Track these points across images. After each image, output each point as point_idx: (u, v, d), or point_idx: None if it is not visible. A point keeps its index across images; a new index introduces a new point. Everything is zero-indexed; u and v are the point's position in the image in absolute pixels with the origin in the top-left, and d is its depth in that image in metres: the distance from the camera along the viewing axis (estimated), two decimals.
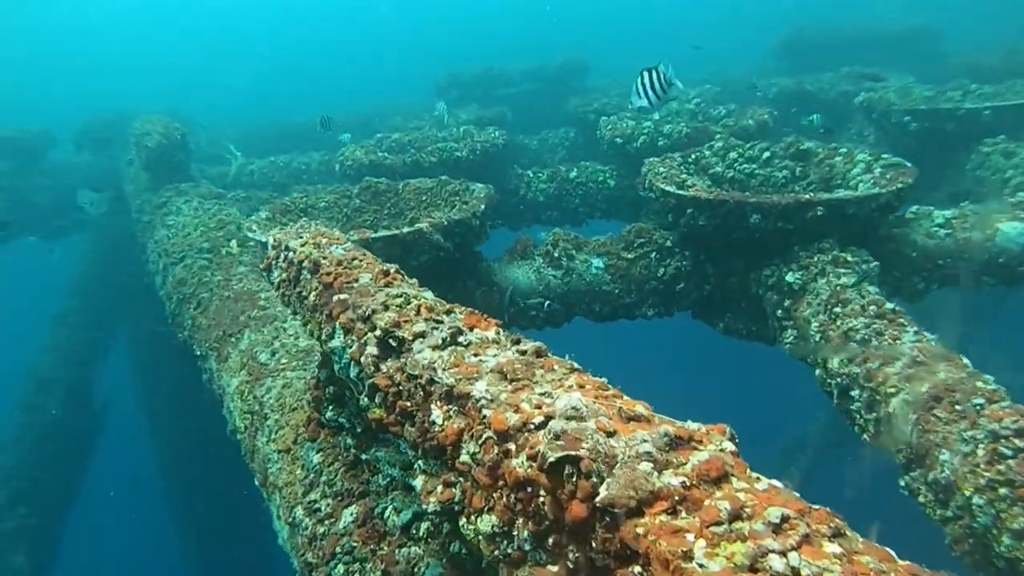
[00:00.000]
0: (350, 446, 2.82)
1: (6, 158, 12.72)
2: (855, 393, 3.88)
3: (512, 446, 1.49)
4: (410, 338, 1.97)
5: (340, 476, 2.72)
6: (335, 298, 2.42)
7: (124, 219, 10.05)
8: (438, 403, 1.76)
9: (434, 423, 1.75)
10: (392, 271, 2.50)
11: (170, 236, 6.67)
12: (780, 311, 4.95)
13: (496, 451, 1.52)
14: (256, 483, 3.55)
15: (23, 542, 12.30)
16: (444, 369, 1.78)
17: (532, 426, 1.48)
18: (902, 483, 3.44)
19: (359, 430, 2.85)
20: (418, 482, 1.87)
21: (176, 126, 8.97)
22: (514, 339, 1.91)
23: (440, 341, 1.91)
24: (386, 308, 2.19)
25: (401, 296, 2.22)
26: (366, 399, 2.15)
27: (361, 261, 2.66)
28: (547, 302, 5.52)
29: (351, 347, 2.22)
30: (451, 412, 1.72)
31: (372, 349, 2.06)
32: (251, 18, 54.90)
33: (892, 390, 3.57)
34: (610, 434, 1.40)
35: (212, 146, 12.06)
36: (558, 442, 1.38)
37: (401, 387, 1.91)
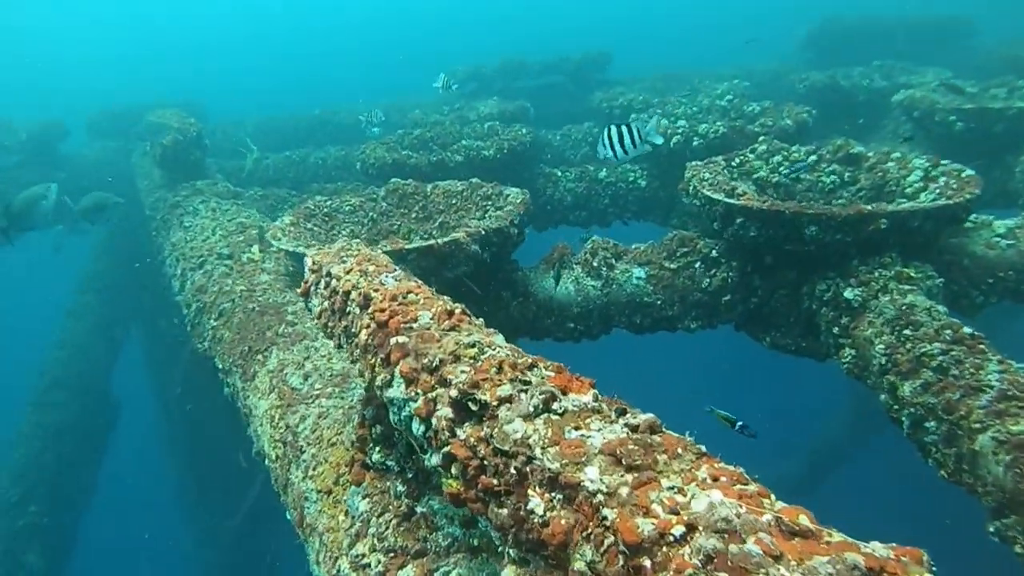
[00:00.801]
0: (401, 494, 2.56)
1: (17, 150, 12.49)
2: (931, 425, 3.60)
3: (647, 562, 1.22)
4: (494, 403, 1.70)
5: (392, 529, 2.47)
6: (393, 341, 2.16)
7: (139, 212, 9.83)
8: (537, 489, 1.50)
9: (533, 512, 1.49)
10: (457, 312, 2.23)
11: (188, 239, 6.42)
12: (837, 328, 4.66)
13: (625, 565, 1.26)
14: (289, 518, 3.31)
15: (36, 540, 12.19)
16: (543, 448, 1.52)
17: (672, 538, 1.22)
18: (991, 529, 3.17)
19: (410, 475, 2.59)
20: (506, 573, 1.61)
21: (191, 121, 8.72)
22: (618, 408, 1.64)
23: (531, 409, 1.64)
24: (456, 359, 1.93)
25: (473, 345, 1.96)
26: (433, 461, 1.89)
27: (418, 295, 2.39)
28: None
29: (415, 401, 1.96)
30: (555, 502, 1.46)
31: (446, 411, 1.80)
32: (266, 7, 54.48)
33: (978, 425, 3.29)
34: (776, 558, 1.13)
35: (228, 140, 11.80)
36: (716, 571, 1.11)
37: (486, 462, 1.65)
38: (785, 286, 5.16)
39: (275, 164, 11.15)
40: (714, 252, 5.27)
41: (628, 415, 1.59)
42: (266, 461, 3.64)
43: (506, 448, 1.58)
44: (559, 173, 8.33)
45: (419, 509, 2.45)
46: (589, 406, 1.65)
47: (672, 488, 1.33)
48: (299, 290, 2.97)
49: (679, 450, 1.45)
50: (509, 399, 1.70)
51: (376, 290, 2.44)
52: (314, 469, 3.05)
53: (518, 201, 5.23)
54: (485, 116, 10.21)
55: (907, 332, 3.99)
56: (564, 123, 10.75)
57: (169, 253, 6.67)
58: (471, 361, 1.90)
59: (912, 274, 4.49)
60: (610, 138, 5.29)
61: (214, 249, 5.80)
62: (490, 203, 5.64)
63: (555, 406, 1.65)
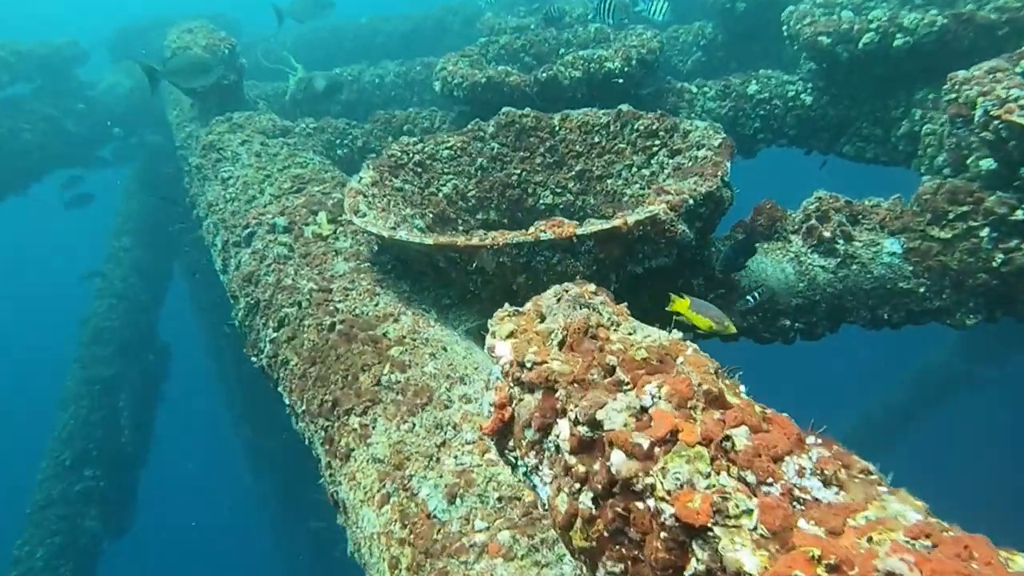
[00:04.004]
0: None
1: (30, 77, 10.88)
2: None
3: None
4: None
5: None
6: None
7: (171, 146, 8.27)
8: None
9: None
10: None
11: (228, 198, 4.80)
12: None
13: None
14: None
15: (94, 504, 11.42)
16: None
17: None
18: None
19: None
20: None
21: (222, 36, 6.95)
22: None
23: None
24: None
25: None
26: None
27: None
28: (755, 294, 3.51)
29: None
30: None
31: None
32: None
33: None
34: None
35: (268, 59, 9.99)
36: None
37: None
38: None
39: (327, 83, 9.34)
40: (1020, 213, 3.43)
41: None
42: None
43: None
44: (694, 88, 6.38)
45: None
46: None
47: None
48: (484, 426, 1.33)
49: None
50: None
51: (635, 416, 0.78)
52: None
53: (716, 143, 3.41)
54: (579, 16, 8.17)
55: None
56: None
57: (206, 215, 5.08)
58: None
59: None
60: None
61: (264, 217, 4.17)
62: (657, 143, 3.84)
63: None
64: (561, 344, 1.26)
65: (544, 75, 5.47)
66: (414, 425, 2.35)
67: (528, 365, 1.22)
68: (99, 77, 11.95)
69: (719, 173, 3.11)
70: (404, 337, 2.79)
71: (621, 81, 5.45)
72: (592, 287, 1.41)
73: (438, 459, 2.19)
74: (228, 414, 14.60)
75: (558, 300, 1.36)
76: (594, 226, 2.70)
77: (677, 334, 1.25)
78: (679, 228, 2.80)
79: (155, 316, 13.26)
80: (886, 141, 5.94)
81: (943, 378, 14.43)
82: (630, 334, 1.26)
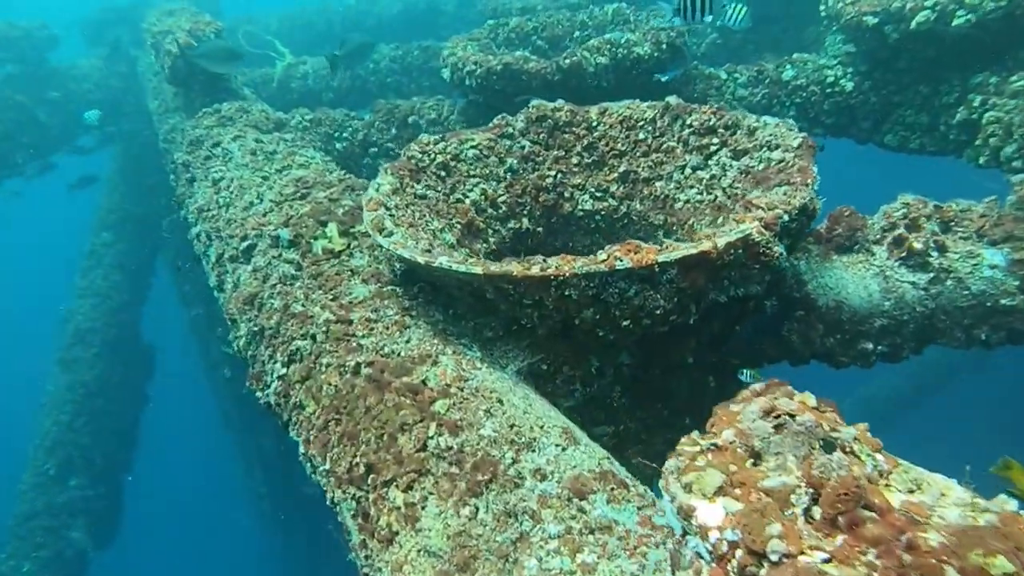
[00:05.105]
0: None
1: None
2: None
3: None
4: None
5: None
6: None
7: (152, 135, 7.69)
8: None
9: None
10: None
11: (220, 202, 4.27)
12: None
13: None
14: None
15: (79, 516, 10.91)
16: None
17: None
18: None
19: None
20: None
21: (206, 20, 6.36)
22: None
23: None
24: None
25: None
26: None
27: None
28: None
29: None
30: None
31: None
32: None
33: None
34: None
35: (252, 43, 9.38)
36: None
37: None
38: None
39: (315, 71, 8.77)
40: None
41: None
42: None
43: None
44: (723, 75, 5.89)
45: None
46: None
47: None
48: None
49: None
50: None
51: None
52: None
53: (796, 143, 2.93)
54: None
55: None
56: None
57: (195, 220, 4.55)
58: None
59: None
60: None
61: (265, 227, 3.65)
62: (716, 141, 3.36)
63: None
64: (807, 511, 0.79)
65: (567, 61, 4.96)
66: (478, 510, 1.88)
67: (774, 558, 0.75)
68: (72, 63, 11.23)
69: (809, 181, 2.64)
70: (449, 386, 2.31)
71: (666, 79, 5.00)
72: (819, 403, 0.94)
73: (516, 560, 1.72)
74: (217, 411, 14.09)
75: (777, 428, 0.88)
76: (678, 251, 2.23)
77: (1007, 500, 0.78)
78: (776, 251, 2.34)
79: (138, 314, 12.67)
80: (934, 129, 5.50)
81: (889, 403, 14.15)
82: (911, 492, 0.80)
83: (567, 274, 2.21)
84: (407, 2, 11.44)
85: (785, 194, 2.56)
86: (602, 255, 2.26)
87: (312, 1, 12.26)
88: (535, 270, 2.25)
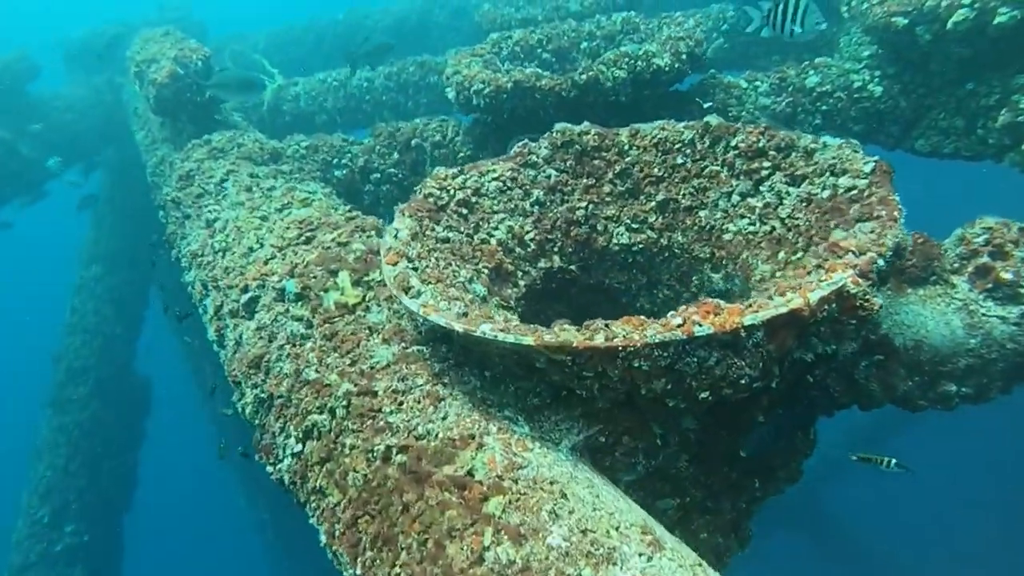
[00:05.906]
0: None
1: None
2: None
3: None
4: None
5: None
6: None
7: (139, 165, 7.33)
8: None
9: None
10: None
11: (216, 247, 3.91)
12: None
13: None
14: None
15: (77, 564, 10.49)
16: None
17: None
18: None
19: None
20: None
21: (194, 46, 6.01)
22: None
23: None
24: None
25: None
26: None
27: None
28: None
29: None
30: None
31: None
32: None
33: None
34: None
35: (240, 64, 9.03)
36: None
37: None
38: None
39: (307, 92, 8.43)
40: None
41: None
42: None
43: None
44: (743, 83, 5.57)
45: None
46: None
47: None
48: None
49: None
50: None
51: None
52: None
53: (868, 168, 2.59)
54: (591, 5, 7.35)
55: None
56: (689, 6, 7.80)
57: (189, 266, 4.19)
58: None
59: None
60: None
61: (268, 278, 3.30)
62: (767, 165, 3.02)
63: None
64: None
65: (583, 77, 4.63)
66: None
67: None
68: (55, 93, 10.86)
69: (896, 215, 2.30)
70: (502, 479, 1.95)
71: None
72: None
73: None
74: (215, 437, 13.67)
75: None
76: (766, 310, 1.88)
77: None
78: (875, 303, 2.00)
79: (132, 349, 12.26)
80: (970, 133, 5.19)
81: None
82: None
83: (638, 344, 1.86)
84: (397, 16, 11.12)
85: (872, 232, 2.22)
86: (676, 319, 1.91)
87: (300, 17, 11.92)
88: (599, 339, 1.90)
